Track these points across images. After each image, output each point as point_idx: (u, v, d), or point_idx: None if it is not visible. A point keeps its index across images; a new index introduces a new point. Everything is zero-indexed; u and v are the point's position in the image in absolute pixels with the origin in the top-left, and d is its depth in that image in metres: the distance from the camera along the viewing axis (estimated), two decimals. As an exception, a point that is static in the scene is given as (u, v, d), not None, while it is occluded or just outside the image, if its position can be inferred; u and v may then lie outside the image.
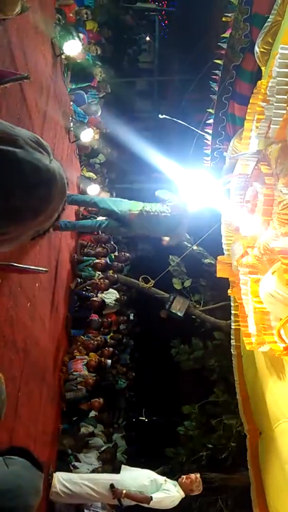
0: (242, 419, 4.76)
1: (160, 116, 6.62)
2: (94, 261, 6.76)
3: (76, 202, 5.32)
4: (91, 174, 8.21)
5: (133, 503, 4.00)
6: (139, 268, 8.57)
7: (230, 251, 4.61)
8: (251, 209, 3.72)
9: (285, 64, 2.99)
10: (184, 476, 4.15)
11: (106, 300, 6.70)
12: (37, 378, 4.04)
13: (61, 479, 4.14)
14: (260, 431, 4.30)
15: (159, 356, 9.35)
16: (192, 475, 4.17)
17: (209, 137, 5.73)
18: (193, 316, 8.08)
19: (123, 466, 4.33)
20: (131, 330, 9.31)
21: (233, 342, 5.06)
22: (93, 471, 4.89)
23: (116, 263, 7.28)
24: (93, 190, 7.34)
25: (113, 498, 3.94)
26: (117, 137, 9.47)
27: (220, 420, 6.92)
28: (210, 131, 5.66)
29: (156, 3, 13.99)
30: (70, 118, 6.44)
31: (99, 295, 6.67)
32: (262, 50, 4.10)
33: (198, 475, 4.19)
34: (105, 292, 6.93)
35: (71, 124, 6.43)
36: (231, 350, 5.08)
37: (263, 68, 4.28)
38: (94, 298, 6.34)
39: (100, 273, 6.78)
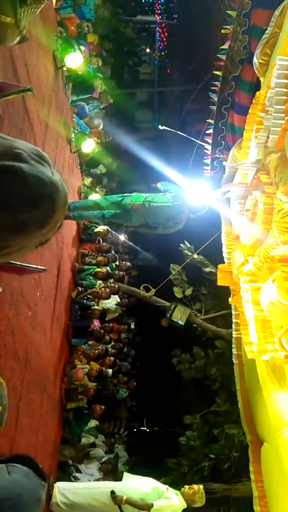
0: (244, 429, 4.72)
1: (160, 127, 6.70)
2: (95, 270, 6.78)
3: (78, 208, 5.46)
4: (92, 184, 8.27)
5: (135, 510, 3.96)
6: (140, 277, 8.58)
7: (231, 260, 4.62)
8: (251, 218, 3.74)
9: (283, 75, 3.04)
10: (187, 486, 4.12)
11: (107, 305, 6.70)
12: (38, 388, 4.04)
13: (62, 490, 4.11)
14: (262, 441, 4.27)
15: (160, 365, 9.30)
16: (195, 486, 4.14)
17: (209, 147, 5.79)
18: (194, 325, 8.06)
19: (125, 473, 4.30)
20: (132, 339, 9.29)
21: (234, 351, 5.04)
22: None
23: (117, 271, 7.29)
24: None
25: (114, 503, 3.91)
26: (118, 147, 9.56)
27: (222, 430, 6.86)
28: (210, 141, 5.72)
29: (156, 16, 14.22)
30: (72, 129, 6.52)
31: (100, 303, 6.67)
32: (260, 61, 4.16)
33: (201, 486, 4.16)
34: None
35: (73, 135, 6.51)
36: (233, 359, 5.06)
37: (261, 79, 4.33)
38: (95, 307, 6.34)
39: (101, 282, 6.80)
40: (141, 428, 11.70)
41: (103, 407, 5.56)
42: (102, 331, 6.53)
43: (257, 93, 3.95)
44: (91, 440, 5.90)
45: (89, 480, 4.91)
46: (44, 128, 4.48)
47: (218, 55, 5.11)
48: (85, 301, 6.41)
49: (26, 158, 1.05)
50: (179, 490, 4.14)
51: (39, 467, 1.16)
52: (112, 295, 7.14)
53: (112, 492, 3.95)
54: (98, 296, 6.54)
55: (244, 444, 4.81)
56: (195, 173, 5.93)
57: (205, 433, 7.21)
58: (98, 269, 6.79)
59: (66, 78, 6.16)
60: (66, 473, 4.95)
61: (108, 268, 7.13)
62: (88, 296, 6.46)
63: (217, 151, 5.62)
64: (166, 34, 14.24)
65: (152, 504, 3.85)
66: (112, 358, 6.54)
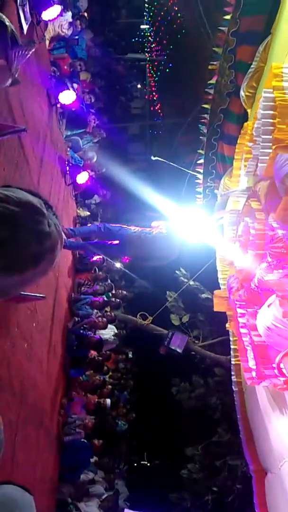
0: (247, 459, 4.61)
1: (152, 158, 6.87)
2: (92, 299, 6.77)
3: (82, 234, 5.63)
4: (87, 214, 8.38)
5: None
6: (136, 305, 8.55)
7: (226, 285, 4.65)
8: (244, 244, 3.80)
9: (269, 107, 3.18)
10: None
11: (105, 336, 6.64)
12: (34, 422, 3.95)
13: (61, 530, 3.95)
14: (266, 471, 4.16)
15: (159, 395, 9.13)
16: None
17: (200, 176, 5.94)
18: (193, 352, 7.99)
19: (125, 510, 4.15)
20: (130, 369, 9.14)
21: (234, 378, 4.99)
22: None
23: (113, 299, 7.29)
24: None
25: None
26: (112, 178, 9.75)
27: (225, 461, 6.68)
28: (202, 170, 5.87)
29: (146, 54, 14.83)
30: (66, 163, 6.67)
31: (97, 332, 6.62)
32: (247, 94, 4.35)
33: None
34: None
35: (67, 168, 6.66)
36: (232, 386, 5.00)
37: (248, 111, 4.51)
38: (92, 336, 6.30)
39: (97, 311, 6.77)
40: (142, 462, 11.34)
41: (101, 441, 5.42)
42: (100, 358, 6.45)
43: (245, 124, 4.10)
44: (90, 476, 5.71)
45: (89, 519, 4.73)
46: (39, 162, 4.59)
47: (206, 90, 5.33)
48: (82, 331, 6.37)
49: (45, 213, 1.13)
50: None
51: (21, 485, 1.18)
52: (109, 325, 7.11)
53: None
54: (95, 326, 6.50)
55: (248, 475, 4.69)
56: (188, 202, 6.05)
57: (207, 465, 7.02)
58: (95, 298, 6.79)
59: (60, 114, 6.36)
60: (65, 511, 4.76)
61: (104, 297, 7.13)
62: (85, 325, 6.42)
63: (208, 180, 5.76)
64: (156, 70, 14.82)
65: None
66: (109, 387, 6.43)
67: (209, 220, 4.76)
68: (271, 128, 3.13)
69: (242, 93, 4.40)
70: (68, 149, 6.92)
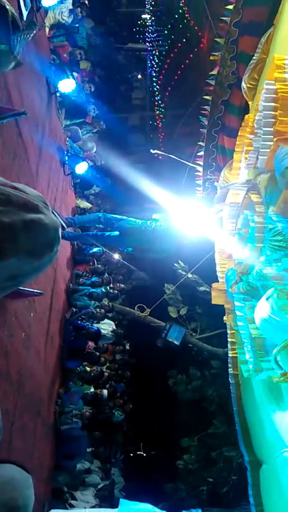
0: (242, 451, 4.65)
1: (151, 151, 6.83)
2: (90, 291, 6.77)
3: (82, 223, 5.62)
4: (86, 205, 8.34)
5: None
6: (134, 297, 8.56)
7: (224, 278, 4.65)
8: (243, 237, 3.79)
9: (271, 98, 3.15)
10: None
11: (103, 331, 6.66)
12: (31, 411, 3.96)
13: (57, 518, 3.99)
14: (261, 462, 4.20)
15: (156, 387, 9.18)
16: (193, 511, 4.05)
17: (200, 169, 5.90)
18: (190, 345, 8.02)
19: (121, 500, 4.19)
20: (127, 361, 9.18)
21: (230, 370, 5.01)
22: (90, 510, 4.71)
23: (111, 290, 7.29)
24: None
25: None
26: (111, 169, 9.70)
27: (220, 452, 6.74)
28: (201, 163, 5.84)
29: (147, 44, 14.66)
30: (65, 152, 6.63)
31: (95, 324, 6.63)
32: (248, 86, 4.31)
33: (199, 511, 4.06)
34: (101, 322, 6.90)
35: (66, 158, 6.61)
36: (229, 379, 5.02)
37: (250, 103, 4.47)
38: (89, 327, 6.31)
39: (95, 302, 6.78)
40: (138, 452, 11.44)
41: (97, 432, 5.46)
42: (97, 353, 6.47)
43: (246, 116, 4.07)
44: (86, 465, 5.75)
45: (85, 508, 4.76)
46: (38, 152, 4.56)
47: (207, 81, 5.27)
48: (79, 322, 6.38)
49: (42, 209, 1.22)
50: (177, 516, 4.04)
51: (20, 464, 1.20)
52: (107, 320, 7.12)
53: None
54: (93, 317, 6.51)
55: (243, 467, 4.73)
56: (188, 194, 6.02)
57: (203, 456, 7.08)
58: (93, 290, 6.78)
59: (60, 103, 6.30)
60: (61, 500, 4.80)
61: (102, 288, 7.13)
62: (83, 316, 6.43)
63: (208, 173, 5.73)
64: (157, 61, 14.67)
65: None
66: (106, 374, 6.46)
67: (208, 213, 4.74)
68: (273, 120, 3.11)
69: (243, 84, 4.36)
70: (67, 138, 6.87)
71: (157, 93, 13.61)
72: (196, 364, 8.13)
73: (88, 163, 7.33)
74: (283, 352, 2.96)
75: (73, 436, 5.13)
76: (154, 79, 13.92)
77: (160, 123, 13.43)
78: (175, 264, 8.14)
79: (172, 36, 12.60)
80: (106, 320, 7.13)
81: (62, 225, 5.24)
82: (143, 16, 14.25)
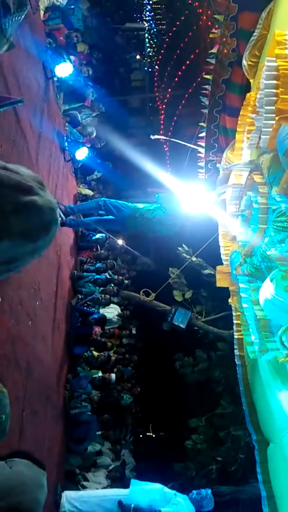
0: (249, 430, 4.71)
1: (151, 137, 6.73)
2: (95, 277, 6.79)
3: (81, 211, 5.58)
4: (88, 191, 8.30)
5: None
6: (139, 282, 8.58)
7: (229, 261, 4.64)
8: (246, 218, 3.76)
9: (272, 76, 3.07)
10: (194, 492, 4.11)
11: (108, 315, 6.70)
12: (41, 397, 4.03)
13: (70, 499, 4.09)
14: (268, 441, 4.26)
15: (163, 370, 9.28)
16: (203, 491, 4.13)
17: (202, 150, 5.82)
18: (196, 328, 8.06)
19: (132, 480, 4.28)
20: (134, 345, 9.26)
21: (236, 352, 5.04)
22: (102, 490, 4.83)
23: (116, 276, 7.31)
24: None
25: None
26: (112, 153, 9.60)
27: (228, 432, 6.84)
28: (203, 144, 5.75)
29: (145, 23, 14.32)
30: (65, 138, 6.55)
31: (100, 310, 6.68)
32: (249, 63, 4.21)
33: (209, 491, 4.14)
34: (107, 307, 6.94)
35: (66, 143, 6.54)
36: (235, 360, 5.06)
37: (251, 81, 4.38)
38: (95, 313, 6.36)
39: (101, 288, 6.80)
40: (147, 434, 11.64)
41: (107, 416, 5.55)
42: (103, 339, 6.52)
43: (247, 94, 3.99)
44: (97, 448, 5.87)
45: (97, 488, 4.88)
46: (37, 138, 4.51)
47: (207, 59, 5.16)
48: (85, 308, 6.42)
49: (36, 190, 1.17)
50: (187, 495, 4.12)
51: (35, 458, 1.23)
52: (113, 305, 7.16)
53: (120, 503, 3.94)
54: (99, 303, 6.54)
55: (251, 446, 4.80)
56: (190, 176, 5.96)
57: (211, 436, 7.19)
58: (97, 276, 6.80)
59: (57, 88, 6.20)
60: (73, 482, 4.92)
61: (107, 274, 7.15)
62: (88, 302, 6.47)
63: (210, 154, 5.65)
64: (155, 40, 14.36)
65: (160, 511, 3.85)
66: (113, 358, 6.54)
67: (211, 195, 4.70)
68: (274, 98, 3.04)
69: (244, 62, 4.26)
70: (67, 124, 6.78)
71: (156, 73, 13.37)
72: (202, 346, 8.19)
73: (88, 148, 7.26)
74: (288, 332, 2.97)
75: (83, 420, 5.23)
76: (153, 59, 13.65)
77: (160, 105, 13.21)
78: (179, 248, 8.13)
79: (170, 14, 12.30)
80: (111, 305, 7.18)
81: (61, 215, 5.22)
82: (140, -7, 13.90)
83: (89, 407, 5.38)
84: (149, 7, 13.54)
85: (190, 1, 9.62)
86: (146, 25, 13.99)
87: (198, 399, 8.39)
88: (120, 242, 8.40)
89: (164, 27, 13.86)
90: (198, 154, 5.89)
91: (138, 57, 14.44)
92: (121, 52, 11.54)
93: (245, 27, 4.24)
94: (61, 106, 6.49)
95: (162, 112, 12.79)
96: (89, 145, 7.54)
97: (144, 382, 9.23)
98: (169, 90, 11.97)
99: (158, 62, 13.33)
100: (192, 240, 7.60)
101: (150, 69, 14.06)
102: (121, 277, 7.36)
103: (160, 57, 13.21)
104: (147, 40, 14.47)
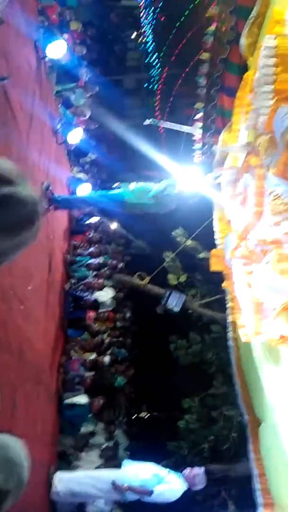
0: (241, 410, 4.78)
1: (147, 121, 6.61)
2: (88, 261, 6.76)
3: (69, 205, 5.50)
4: (82, 175, 8.18)
5: (137, 496, 4.03)
6: (134, 266, 8.56)
7: (223, 244, 4.62)
8: (242, 201, 3.73)
9: (271, 55, 3.00)
10: (188, 468, 4.19)
11: (102, 298, 6.70)
12: (33, 380, 4.03)
13: (63, 479, 4.14)
14: (260, 420, 4.33)
15: (157, 352, 9.35)
16: (196, 469, 4.20)
17: (199, 131, 5.73)
18: (190, 311, 8.09)
19: (125, 460, 4.35)
20: (128, 328, 9.30)
21: (230, 334, 5.08)
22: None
23: (110, 260, 7.28)
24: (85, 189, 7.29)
25: (116, 492, 3.98)
26: (106, 135, 9.44)
27: (221, 412, 6.94)
28: (200, 125, 5.66)
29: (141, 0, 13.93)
30: (58, 120, 6.41)
31: (94, 294, 6.67)
32: (248, 42, 4.10)
33: (202, 469, 4.22)
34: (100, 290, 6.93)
35: (59, 125, 6.40)
36: (229, 342, 5.10)
37: (250, 59, 4.28)
38: (88, 298, 6.35)
39: (94, 272, 6.78)
40: (140, 414, 11.80)
41: (101, 402, 5.60)
42: (96, 325, 6.52)
43: (245, 74, 3.90)
44: (90, 428, 5.93)
45: (90, 468, 4.95)
46: (29, 120, 4.40)
47: (205, 38, 5.03)
48: (77, 293, 6.40)
49: (16, 182, 1.13)
50: (180, 472, 4.20)
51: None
52: (106, 288, 7.14)
53: (113, 483, 4.01)
54: (92, 287, 6.53)
55: (243, 425, 4.88)
56: (187, 159, 5.89)
57: (204, 415, 7.29)
58: (91, 260, 6.77)
59: (50, 68, 6.03)
60: (66, 461, 4.98)
61: (100, 258, 7.12)
62: (81, 287, 6.45)
63: (207, 135, 5.57)
64: (151, 18, 13.98)
65: (152, 491, 3.92)
66: (107, 341, 6.56)
67: (207, 178, 4.65)
68: (273, 77, 2.97)
69: (243, 40, 4.15)
70: (59, 105, 6.63)
71: (152, 52, 13.05)
72: (196, 329, 8.24)
73: (82, 129, 7.13)
74: (281, 315, 2.98)
75: (76, 403, 5.26)
76: (149, 37, 13.31)
77: (156, 84, 12.95)
78: (175, 231, 8.09)
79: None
80: (105, 288, 7.16)
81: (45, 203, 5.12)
82: None
83: (83, 390, 5.41)
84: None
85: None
86: (142, 1, 13.58)
87: (191, 380, 8.48)
88: (113, 226, 8.34)
89: (160, 4, 13.48)
90: (194, 137, 5.81)
91: (133, 36, 14.09)
92: (115, 30, 11.26)
93: (244, 4, 4.13)
94: (53, 86, 6.33)
95: (158, 92, 12.55)
96: (82, 127, 7.39)
97: (138, 364, 9.30)
98: (166, 68, 11.71)
99: (154, 40, 13.00)
100: (187, 223, 7.57)
101: (145, 47, 13.71)
102: (115, 261, 7.33)
103: (156, 34, 12.87)
104: (142, 18, 14.08)
